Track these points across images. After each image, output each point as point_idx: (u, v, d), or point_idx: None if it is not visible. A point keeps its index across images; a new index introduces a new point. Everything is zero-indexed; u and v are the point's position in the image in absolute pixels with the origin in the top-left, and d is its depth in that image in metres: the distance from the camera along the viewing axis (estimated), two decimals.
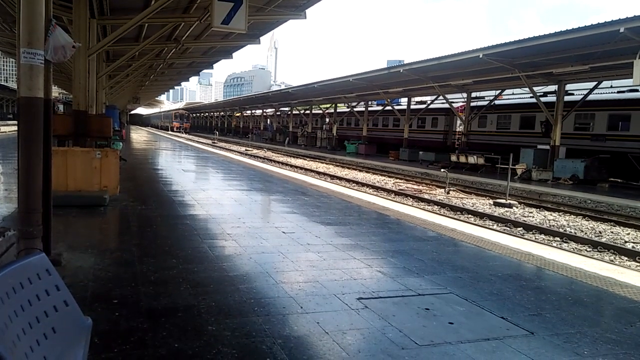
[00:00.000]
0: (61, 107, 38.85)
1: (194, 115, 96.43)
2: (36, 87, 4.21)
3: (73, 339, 1.91)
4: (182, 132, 70.63)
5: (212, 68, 23.96)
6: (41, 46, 4.21)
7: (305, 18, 12.78)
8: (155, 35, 13.27)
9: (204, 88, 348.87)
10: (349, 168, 25.20)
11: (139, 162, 16.82)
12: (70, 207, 7.33)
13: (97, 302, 3.69)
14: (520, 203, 14.42)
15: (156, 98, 71.94)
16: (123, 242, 5.66)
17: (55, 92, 45.89)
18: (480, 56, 18.59)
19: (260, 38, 16.00)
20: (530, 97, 24.06)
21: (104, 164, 8.35)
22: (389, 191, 16.23)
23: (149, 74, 25.19)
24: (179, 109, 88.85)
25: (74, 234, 5.95)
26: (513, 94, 31.12)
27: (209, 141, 47.39)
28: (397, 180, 20.48)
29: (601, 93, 23.47)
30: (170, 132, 68.36)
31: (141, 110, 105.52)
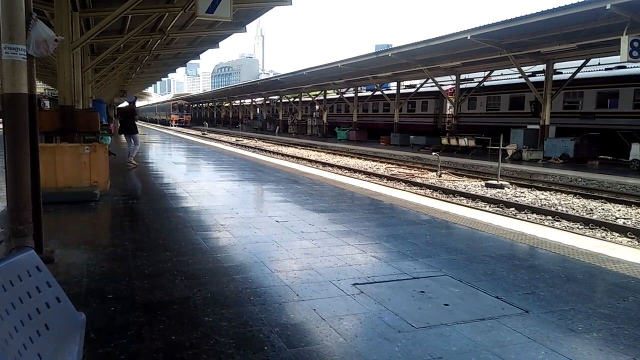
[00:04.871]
0: (47, 103, 38.36)
1: (195, 105, 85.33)
2: (20, 82, 4.14)
3: (67, 335, 1.89)
4: (174, 126, 62.45)
5: (199, 58, 23.77)
6: (23, 41, 4.14)
7: (291, 4, 12.65)
8: (139, 26, 13.07)
9: (191, 79, 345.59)
10: (340, 155, 25.17)
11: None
12: (60, 204, 7.27)
13: (92, 297, 3.67)
14: (511, 183, 14.50)
15: (143, 91, 70.76)
16: (116, 237, 5.62)
17: (41, 87, 45.21)
18: (468, 37, 18.55)
19: (247, 26, 15.84)
20: (519, 78, 24.11)
21: (93, 159, 8.26)
22: (381, 176, 16.25)
23: (135, 66, 24.88)
24: (177, 100, 75.23)
25: (65, 231, 5.90)
26: (502, 74, 31.15)
27: (199, 132, 47.11)
28: (389, 165, 20.50)
29: (589, 71, 23.56)
30: (160, 126, 66.86)
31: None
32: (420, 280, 4.22)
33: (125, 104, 15.24)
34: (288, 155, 23.90)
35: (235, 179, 11.08)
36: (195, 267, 4.42)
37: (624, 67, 21.27)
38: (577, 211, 10.79)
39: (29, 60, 4.28)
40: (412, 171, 18.23)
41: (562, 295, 3.92)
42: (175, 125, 63.09)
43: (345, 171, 17.76)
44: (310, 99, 48.45)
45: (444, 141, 25.37)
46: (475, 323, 3.35)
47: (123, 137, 15.38)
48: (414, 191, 12.85)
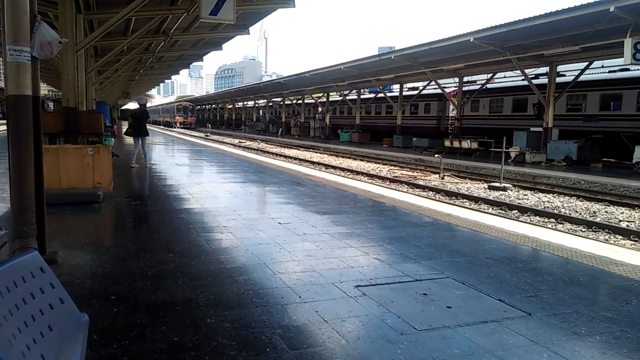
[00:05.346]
0: (51, 104, 38.51)
1: (198, 107, 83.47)
2: (24, 84, 4.15)
3: (70, 336, 1.90)
4: (178, 127, 61.44)
5: (202, 60, 23.77)
6: (27, 43, 4.15)
7: (294, 7, 12.67)
8: (143, 28, 13.11)
9: (194, 81, 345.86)
10: (343, 157, 25.18)
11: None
12: (64, 205, 7.29)
13: (95, 299, 3.68)
14: (514, 186, 14.47)
15: (147, 92, 70.61)
16: (119, 238, 5.63)
17: (45, 89, 45.40)
18: (471, 40, 18.54)
19: (250, 28, 15.86)
20: (522, 80, 24.06)
21: (96, 160, 8.27)
22: (383, 178, 16.25)
23: (139, 68, 24.93)
24: (181, 101, 74.45)
25: (69, 232, 5.92)
26: (505, 77, 31.12)
27: (202, 134, 47.18)
28: (392, 167, 20.49)
29: (592, 73, 23.51)
30: (163, 127, 66.88)
31: (133, 105, 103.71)
32: (422, 282, 4.21)
33: (135, 105, 15.39)
34: (291, 157, 23.91)
35: (237, 180, 11.09)
36: (197, 269, 4.43)
37: (628, 69, 21.21)
38: (580, 214, 10.76)
39: (33, 62, 4.29)
40: (415, 173, 18.21)
41: (565, 298, 3.91)
42: (179, 127, 62.31)
43: (348, 173, 17.75)
44: (313, 101, 48.48)
45: (447, 143, 25.35)
46: (478, 326, 3.34)
47: (127, 139, 15.51)
48: (417, 193, 12.83)
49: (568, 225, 9.55)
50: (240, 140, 37.97)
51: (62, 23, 9.80)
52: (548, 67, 21.60)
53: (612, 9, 13.69)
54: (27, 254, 1.90)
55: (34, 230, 4.25)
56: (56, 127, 9.54)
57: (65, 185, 8.03)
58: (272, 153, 26.45)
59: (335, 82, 35.56)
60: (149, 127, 14.04)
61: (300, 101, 49.31)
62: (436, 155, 19.71)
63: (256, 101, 63.33)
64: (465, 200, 12.24)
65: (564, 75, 24.02)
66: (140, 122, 13.70)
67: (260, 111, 63.48)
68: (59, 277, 2.01)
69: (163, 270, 4.36)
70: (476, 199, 12.11)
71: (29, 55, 4.17)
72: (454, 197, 12.63)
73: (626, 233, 8.82)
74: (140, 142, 13.72)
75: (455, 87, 30.24)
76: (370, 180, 15.44)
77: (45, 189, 4.65)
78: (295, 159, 23.27)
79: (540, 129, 21.66)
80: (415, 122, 34.23)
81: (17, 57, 4.07)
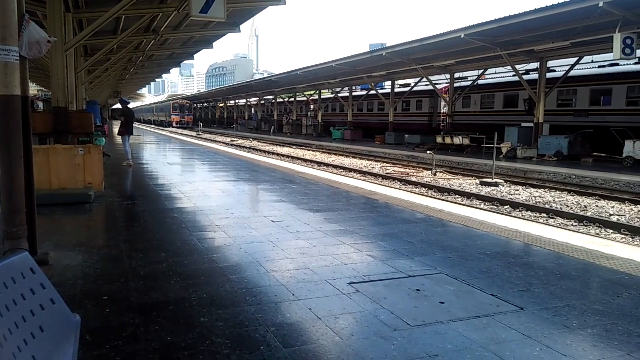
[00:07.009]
0: (41, 104, 38.13)
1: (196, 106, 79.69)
2: (12, 84, 4.11)
3: (62, 337, 1.89)
4: (175, 127, 58.32)
5: (193, 59, 23.69)
6: (15, 42, 4.11)
7: (285, 4, 12.62)
8: (133, 27, 13.01)
9: (185, 80, 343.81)
10: (335, 154, 25.18)
11: (124, 157, 16.63)
12: (55, 206, 7.24)
13: (87, 299, 3.65)
14: (506, 181, 14.54)
15: (138, 92, 69.80)
16: (111, 239, 5.60)
17: (34, 89, 44.95)
18: (462, 36, 18.60)
19: (241, 26, 15.79)
20: (513, 76, 24.18)
21: (87, 160, 8.24)
22: (376, 176, 16.27)
23: (129, 67, 24.79)
24: (178, 99, 70.53)
25: (60, 233, 5.87)
26: (496, 73, 31.26)
27: (193, 133, 47.01)
28: (384, 164, 20.52)
29: (583, 69, 23.68)
30: (155, 127, 66.42)
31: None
32: (416, 278, 4.23)
33: (118, 105, 15.71)
34: (283, 155, 23.88)
35: (230, 179, 11.06)
36: (191, 268, 4.41)
37: (617, 64, 21.38)
38: (571, 208, 10.84)
39: (22, 62, 4.26)
40: (407, 170, 18.25)
41: (557, 292, 3.94)
42: (175, 127, 59.14)
43: (341, 170, 17.76)
44: (305, 98, 48.47)
45: (439, 140, 25.43)
46: (471, 321, 3.36)
47: (118, 139, 15.57)
48: (409, 190, 12.86)
49: (559, 220, 9.62)
50: (233, 139, 37.86)
51: (50, 22, 9.71)
52: (538, 63, 21.75)
53: (601, 5, 13.78)
54: (18, 255, 1.88)
55: (25, 231, 4.22)
56: (46, 127, 9.46)
57: (56, 185, 7.98)
58: (265, 151, 26.40)
59: (327, 80, 35.56)
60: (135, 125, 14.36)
61: (292, 99, 49.26)
62: (428, 152, 19.77)
63: (248, 99, 63.15)
64: (457, 196, 12.29)
65: (555, 71, 24.16)
66: (131, 121, 13.91)
67: (253, 109, 63.30)
68: (50, 278, 1.99)
69: (156, 270, 4.34)
70: (468, 195, 12.16)
71: (18, 55, 4.13)
72: (446, 194, 12.67)
73: (617, 227, 8.89)
74: (127, 140, 13.90)
75: (446, 83, 30.34)
76: (363, 178, 15.46)
77: (35, 189, 4.61)
78: (288, 157, 23.25)
79: (532, 125, 21.80)
80: (407, 119, 34.33)
81: (6, 57, 4.03)
